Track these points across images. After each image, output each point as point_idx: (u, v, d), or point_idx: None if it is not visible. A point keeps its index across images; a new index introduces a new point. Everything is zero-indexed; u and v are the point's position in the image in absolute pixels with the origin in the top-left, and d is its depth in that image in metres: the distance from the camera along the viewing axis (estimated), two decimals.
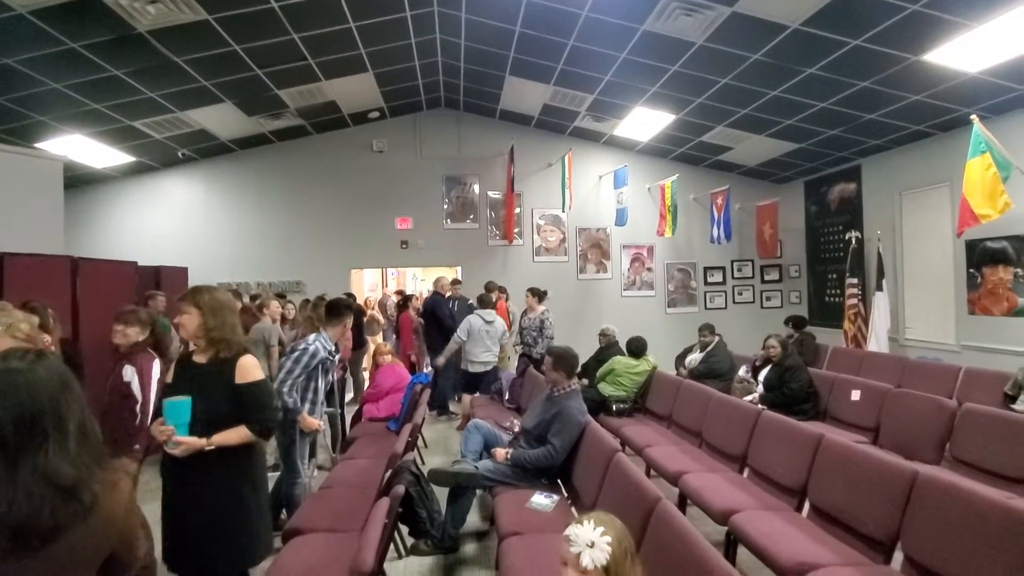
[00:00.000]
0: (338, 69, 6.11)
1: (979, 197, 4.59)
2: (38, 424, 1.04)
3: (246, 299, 7.15)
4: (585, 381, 5.54)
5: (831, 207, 7.93)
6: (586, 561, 1.31)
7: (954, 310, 5.99)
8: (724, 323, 7.32)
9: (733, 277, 8.96)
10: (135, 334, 2.96)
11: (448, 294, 6.72)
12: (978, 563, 1.99)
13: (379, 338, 8.79)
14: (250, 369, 2.16)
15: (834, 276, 7.85)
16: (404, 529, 3.21)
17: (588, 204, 8.62)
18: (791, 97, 5.77)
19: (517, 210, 8.42)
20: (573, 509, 3.06)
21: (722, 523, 2.89)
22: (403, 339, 7.08)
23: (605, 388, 5.26)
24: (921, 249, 6.52)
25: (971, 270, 5.74)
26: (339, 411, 4.86)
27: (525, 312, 6.55)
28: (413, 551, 3.25)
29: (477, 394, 5.77)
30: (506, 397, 5.74)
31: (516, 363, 6.52)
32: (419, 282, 13.16)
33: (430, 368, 6.39)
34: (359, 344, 6.58)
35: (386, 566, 2.62)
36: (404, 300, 7.70)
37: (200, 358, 2.18)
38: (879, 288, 6.62)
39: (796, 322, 6.75)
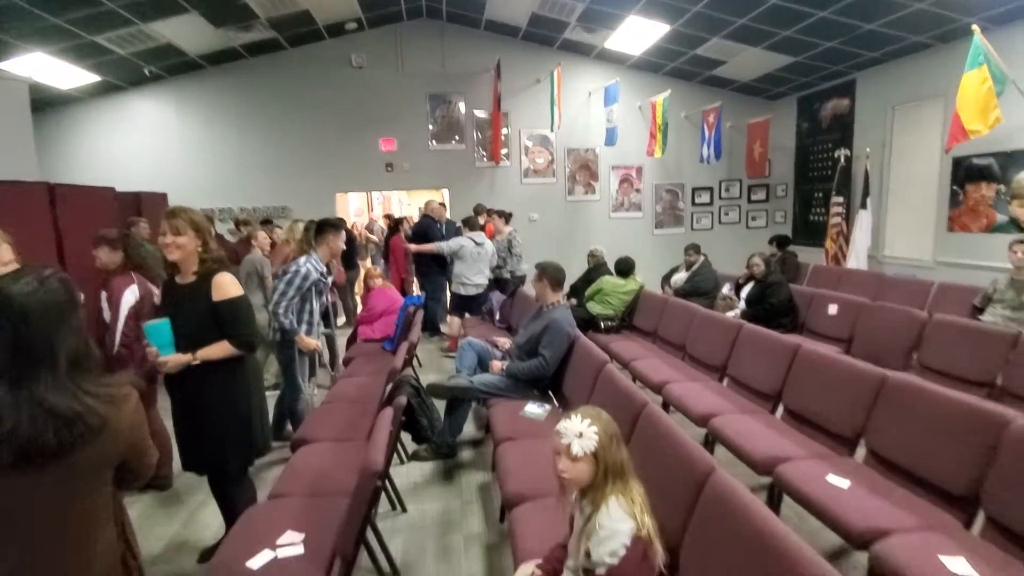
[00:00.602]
0: None
1: (971, 112, 4.56)
2: (34, 355, 1.04)
3: (230, 225, 7.08)
4: (574, 301, 5.68)
5: (822, 124, 7.83)
6: (576, 449, 1.43)
7: (934, 227, 6.12)
8: (710, 243, 7.42)
9: (720, 198, 8.96)
10: (105, 255, 2.97)
11: (438, 217, 6.67)
12: (935, 451, 2.20)
13: (368, 262, 8.84)
14: (226, 286, 2.22)
15: (820, 195, 7.89)
16: (405, 439, 3.41)
17: (577, 123, 8.40)
18: (790, 5, 5.52)
19: (505, 131, 8.19)
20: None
21: (702, 426, 3.11)
22: (395, 262, 7.08)
23: (593, 307, 5.42)
24: (908, 167, 6.54)
25: (955, 187, 5.81)
26: (334, 332, 4.97)
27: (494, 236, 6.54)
28: (414, 457, 3.48)
29: (468, 315, 5.90)
30: (497, 317, 5.88)
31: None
32: (405, 206, 12.99)
33: (421, 290, 6.46)
34: (349, 267, 6.60)
35: (390, 472, 2.82)
36: (395, 223, 7.63)
37: (182, 279, 2.26)
38: (863, 206, 6.70)
39: (780, 241, 6.87)
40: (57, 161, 7.12)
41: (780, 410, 3.21)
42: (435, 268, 6.27)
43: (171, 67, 7.18)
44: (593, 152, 8.51)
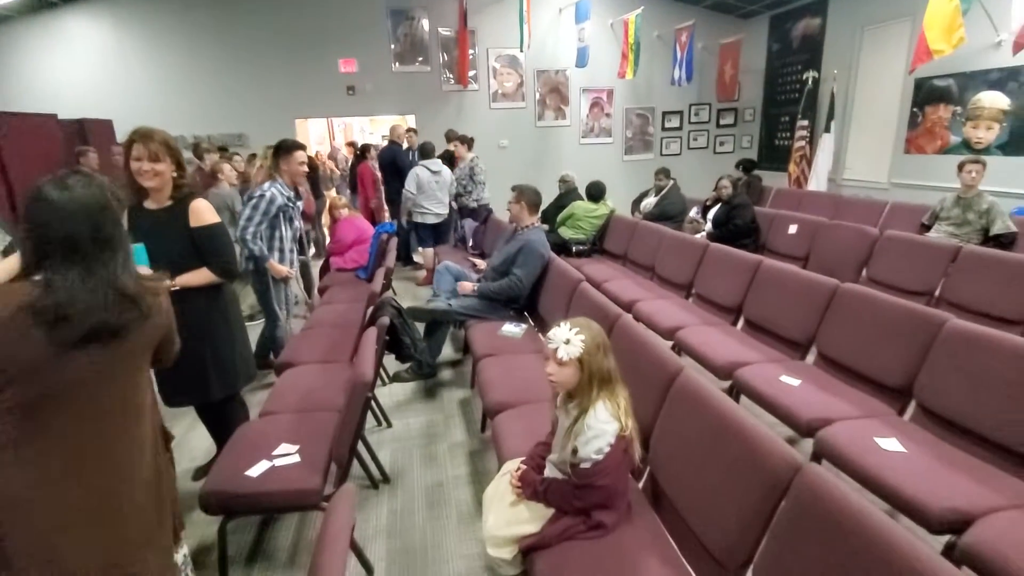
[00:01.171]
0: None
1: (937, 31, 4.61)
2: (108, 239, 1.17)
3: (188, 154, 6.73)
4: (546, 226, 5.73)
5: (793, 45, 7.76)
6: (562, 354, 1.55)
7: (891, 149, 6.31)
8: (678, 168, 7.48)
9: (690, 122, 8.93)
10: None
11: (405, 144, 6.50)
12: (876, 351, 2.43)
13: (333, 192, 8.60)
14: (203, 212, 2.17)
15: (786, 119, 7.96)
16: (386, 363, 3.52)
17: (547, 43, 8.09)
18: None
19: (472, 51, 7.83)
20: (540, 335, 3.40)
21: (668, 339, 3.31)
22: (363, 191, 6.92)
23: (565, 232, 5.50)
24: (872, 89, 6.62)
25: (914, 109, 5.95)
26: (308, 259, 4.93)
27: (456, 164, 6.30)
28: (396, 379, 3.61)
29: (439, 246, 5.90)
30: (470, 244, 5.91)
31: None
32: (368, 135, 12.48)
33: (392, 218, 6.39)
34: (316, 196, 6.44)
35: (375, 391, 2.93)
36: (361, 151, 7.38)
37: (152, 204, 2.16)
38: (827, 130, 6.82)
39: (746, 165, 6.98)
40: None
41: (741, 322, 3.44)
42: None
43: None
44: (564, 74, 8.27)
